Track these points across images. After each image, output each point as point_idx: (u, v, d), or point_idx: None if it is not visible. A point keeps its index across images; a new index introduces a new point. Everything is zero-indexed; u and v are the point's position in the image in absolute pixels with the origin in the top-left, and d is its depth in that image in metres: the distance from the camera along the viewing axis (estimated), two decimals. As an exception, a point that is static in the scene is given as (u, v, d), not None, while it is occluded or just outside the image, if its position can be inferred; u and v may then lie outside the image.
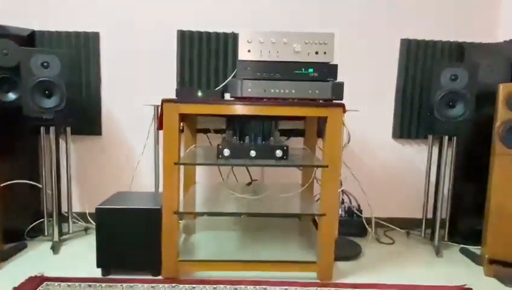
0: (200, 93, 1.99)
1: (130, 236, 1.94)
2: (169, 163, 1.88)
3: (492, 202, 2.20)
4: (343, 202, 2.74)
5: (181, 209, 2.00)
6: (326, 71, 1.92)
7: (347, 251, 2.34)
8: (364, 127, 2.82)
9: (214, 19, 2.67)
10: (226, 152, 1.94)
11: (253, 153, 1.94)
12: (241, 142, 2.07)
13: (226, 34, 2.65)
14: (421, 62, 2.72)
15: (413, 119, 2.77)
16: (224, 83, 2.60)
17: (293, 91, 1.91)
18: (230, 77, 2.57)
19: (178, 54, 2.65)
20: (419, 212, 2.87)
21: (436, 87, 2.30)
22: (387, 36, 2.74)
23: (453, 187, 2.59)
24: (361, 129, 2.82)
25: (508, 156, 2.18)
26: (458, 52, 2.70)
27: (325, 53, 1.92)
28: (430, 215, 2.72)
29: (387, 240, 2.65)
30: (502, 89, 2.20)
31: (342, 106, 1.90)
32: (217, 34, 2.65)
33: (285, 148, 1.96)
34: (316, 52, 1.92)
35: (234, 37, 2.65)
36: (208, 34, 2.65)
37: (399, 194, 2.89)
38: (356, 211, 2.70)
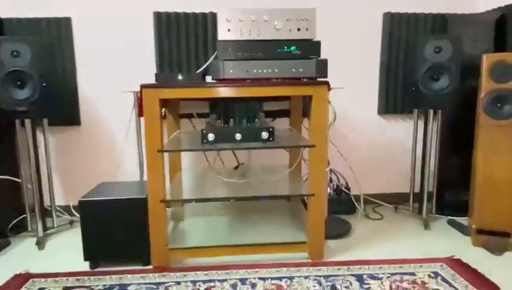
0: (180, 77, 1.92)
1: (116, 227, 1.89)
2: (152, 151, 1.83)
3: (479, 173, 2.22)
4: (331, 181, 2.74)
5: (167, 197, 1.96)
6: (309, 48, 1.87)
7: (337, 229, 2.35)
8: (349, 104, 2.79)
9: (191, -1, 2.58)
10: (211, 137, 1.89)
11: (238, 136, 1.90)
12: (226, 125, 2.02)
13: (204, 14, 2.56)
14: (404, 36, 2.69)
15: (398, 94, 2.75)
16: (205, 66, 2.52)
17: (276, 70, 1.86)
18: (211, 59, 2.49)
19: (156, 37, 2.55)
20: (407, 187, 2.89)
21: (420, 61, 2.28)
22: (369, 10, 2.69)
23: (439, 160, 2.61)
24: (346, 107, 2.79)
25: (492, 127, 2.19)
26: (441, 24, 2.67)
27: (307, 29, 1.86)
28: (417, 190, 2.74)
29: (376, 216, 2.67)
30: (486, 60, 2.19)
31: (327, 83, 1.86)
32: (195, 15, 2.56)
33: (270, 129, 1.91)
34: (298, 29, 1.86)
35: (213, 17, 2.56)
36: (186, 14, 2.55)
37: (386, 170, 2.90)
38: (344, 189, 2.71)
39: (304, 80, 1.90)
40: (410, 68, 2.41)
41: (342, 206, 2.69)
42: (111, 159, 2.70)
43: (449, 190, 2.68)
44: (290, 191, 2.13)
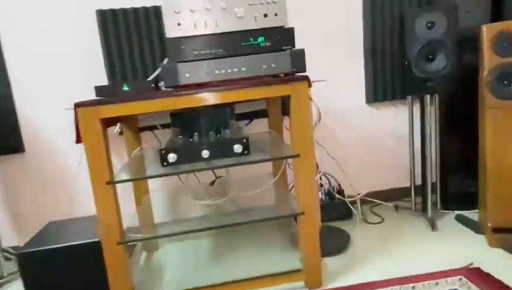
0: (126, 88, 1.55)
1: (67, 280, 1.54)
2: (100, 184, 1.47)
3: (489, 163, 1.93)
4: (321, 185, 2.42)
5: (127, 237, 1.60)
6: (281, 38, 1.53)
7: (334, 243, 2.04)
8: (333, 96, 2.46)
9: (139, -9, 2.19)
10: (172, 157, 1.54)
11: (206, 153, 1.55)
12: (190, 139, 1.67)
13: (157, 8, 2.18)
14: (388, 11, 2.36)
15: (386, 78, 2.43)
16: (156, 72, 2.14)
17: (243, 69, 1.52)
18: (164, 62, 2.13)
19: (102, 40, 2.17)
20: (406, 181, 2.60)
21: (411, 39, 1.96)
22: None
23: (440, 149, 2.33)
24: (331, 99, 2.47)
25: (501, 108, 1.89)
26: (428, -6, 2.35)
27: (276, 15, 1.51)
28: (418, 182, 2.44)
29: (375, 218, 2.37)
30: (487, 31, 1.88)
31: (306, 78, 1.52)
32: (146, 10, 2.18)
33: (245, 141, 1.57)
34: (265, 15, 1.51)
35: (167, 10, 2.19)
36: (135, 10, 2.17)
37: (382, 164, 2.59)
38: (336, 194, 2.39)
39: (280, 76, 1.56)
40: (399, 49, 2.10)
41: (337, 212, 2.38)
42: (63, 189, 2.31)
43: (453, 181, 2.39)
44: (277, 211, 1.80)
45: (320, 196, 2.38)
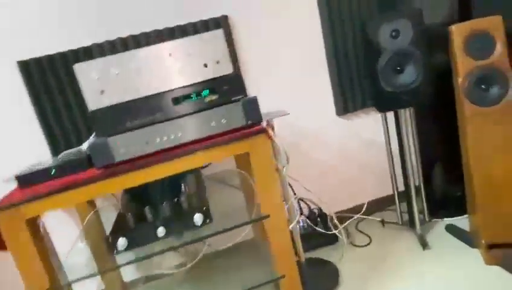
0: (53, 171, 1.30)
1: None
2: (39, 295, 1.24)
3: (476, 176, 1.78)
4: (301, 212, 2.24)
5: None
6: (229, 87, 1.30)
7: (321, 282, 1.88)
8: (301, 114, 2.26)
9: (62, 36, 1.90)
10: (122, 244, 1.31)
11: (161, 231, 1.34)
12: (142, 214, 1.45)
13: (89, 50, 1.90)
14: (347, 17, 2.14)
15: (355, 88, 2.24)
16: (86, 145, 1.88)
17: (190, 131, 1.29)
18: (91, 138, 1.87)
19: (31, 98, 1.87)
20: (388, 188, 2.45)
21: (376, 51, 1.76)
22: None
23: (420, 154, 2.17)
24: (300, 119, 2.26)
25: (481, 116, 1.73)
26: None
27: (218, 62, 1.28)
28: (401, 188, 2.28)
29: (362, 239, 2.22)
30: (457, 32, 1.70)
31: (264, 131, 1.31)
32: (75, 53, 1.89)
33: (205, 209, 1.36)
34: (205, 65, 1.27)
35: (110, 47, 1.91)
36: (63, 56, 1.88)
37: (362, 175, 2.43)
38: (314, 223, 2.22)
39: (239, 128, 1.34)
40: (366, 60, 1.90)
41: (321, 238, 2.21)
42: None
43: (438, 186, 2.26)
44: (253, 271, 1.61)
45: (301, 223, 2.20)
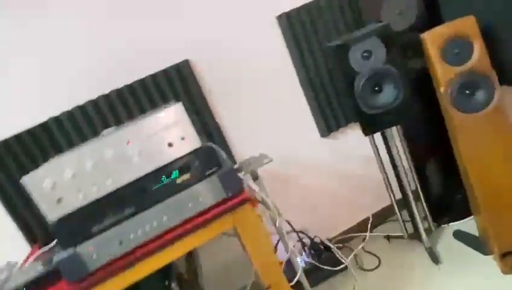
0: (24, 292, 1.16)
1: None
2: None
3: (477, 184, 1.68)
4: (303, 246, 2.13)
5: None
6: (200, 163, 1.17)
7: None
8: (285, 146, 2.14)
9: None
10: None
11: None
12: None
13: (31, 133, 1.75)
14: (314, 39, 2.03)
15: (335, 107, 2.13)
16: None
17: (165, 218, 1.16)
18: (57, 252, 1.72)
19: None
20: (386, 200, 2.35)
21: (350, 74, 1.65)
22: (258, 23, 1.99)
23: (412, 159, 2.07)
24: (283, 150, 2.14)
25: (471, 122, 1.64)
26: (350, 3, 2.03)
27: (183, 139, 1.15)
28: (398, 196, 2.17)
29: (371, 261, 2.11)
30: (430, 40, 1.60)
31: (248, 200, 1.19)
32: (19, 139, 1.74)
33: (198, 294, 1.24)
34: (170, 144, 1.14)
35: (69, 119, 1.76)
36: (29, 133, 1.72)
37: (358, 192, 2.32)
38: (322, 249, 2.11)
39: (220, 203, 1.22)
40: (342, 84, 1.79)
41: (330, 266, 2.10)
42: None
43: (436, 191, 2.17)
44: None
45: (305, 259, 2.09)
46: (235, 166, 1.58)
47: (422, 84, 1.81)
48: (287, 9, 1.98)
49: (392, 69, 1.60)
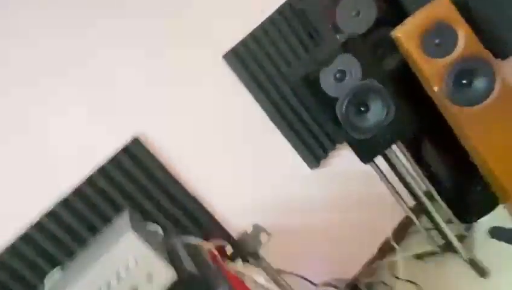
0: None
1: None
2: None
3: (504, 175, 1.45)
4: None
5: None
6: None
7: None
8: (277, 192, 1.86)
9: None
10: None
11: None
12: None
13: None
14: (270, 66, 1.77)
15: (317, 133, 1.86)
16: None
17: None
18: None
19: None
20: (400, 213, 2.09)
21: (327, 102, 1.38)
22: (209, 71, 1.72)
23: (420, 167, 1.82)
24: (275, 197, 1.85)
25: (477, 113, 1.40)
26: (298, 17, 1.77)
27: (150, 278, 0.84)
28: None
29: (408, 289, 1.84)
30: (404, 37, 1.37)
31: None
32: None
33: None
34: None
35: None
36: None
37: (367, 215, 2.04)
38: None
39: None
40: (322, 114, 1.53)
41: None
42: None
43: (452, 190, 1.92)
44: None
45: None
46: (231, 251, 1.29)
47: (404, 83, 1.57)
48: (231, 46, 1.71)
49: (374, 82, 1.35)
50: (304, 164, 1.90)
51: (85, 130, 1.54)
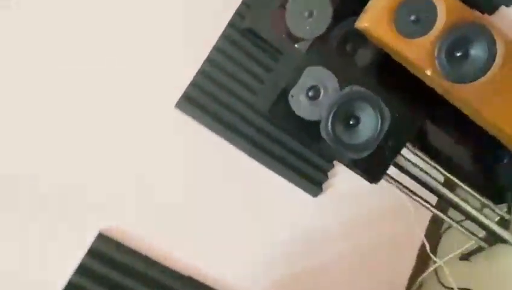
0: None
1: None
2: None
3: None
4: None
5: None
6: None
7: None
8: (284, 237, 1.59)
9: None
10: None
11: None
12: None
13: None
14: (231, 99, 1.52)
15: (305, 156, 1.59)
16: None
17: None
18: None
19: None
20: (425, 213, 1.82)
21: (307, 128, 1.13)
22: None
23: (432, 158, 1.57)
24: (284, 244, 1.59)
25: (479, 86, 1.16)
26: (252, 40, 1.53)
27: None
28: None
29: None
30: (373, 24, 1.13)
31: None
32: None
33: None
34: None
35: None
36: None
37: (390, 227, 1.77)
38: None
39: None
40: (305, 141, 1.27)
41: None
42: None
43: (475, 169, 1.68)
44: None
45: None
46: None
47: (388, 75, 1.33)
48: (181, 92, 1.45)
49: (357, 88, 1.10)
50: (306, 195, 1.64)
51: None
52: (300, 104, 1.08)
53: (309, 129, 1.10)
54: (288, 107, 1.09)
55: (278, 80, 1.10)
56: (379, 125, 1.11)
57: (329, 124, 1.10)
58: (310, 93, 1.08)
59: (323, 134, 1.10)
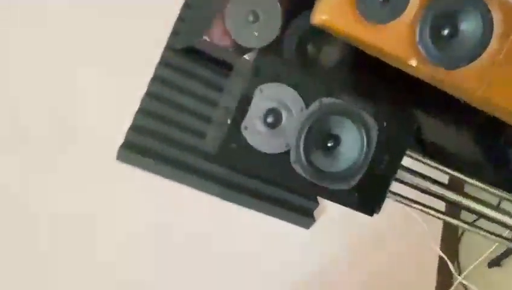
0: None
1: None
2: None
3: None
4: None
5: None
6: None
7: None
8: (285, 277, 1.32)
9: None
10: None
11: None
12: None
13: None
14: (185, 134, 1.25)
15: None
16: None
17: None
18: None
19: None
20: (436, 222, 1.57)
21: (275, 162, 0.87)
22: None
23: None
24: (295, 281, 1.32)
25: (479, 66, 0.91)
26: (195, 60, 1.27)
27: None
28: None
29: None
30: (332, 18, 0.88)
31: None
32: None
33: None
34: None
35: None
36: None
37: (402, 246, 1.52)
38: None
39: None
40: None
41: None
42: None
43: (482, 160, 1.44)
44: None
45: None
46: None
47: (365, 72, 1.08)
48: (120, 141, 1.19)
49: (328, 101, 0.84)
50: (300, 230, 1.37)
51: None
52: (258, 136, 0.82)
53: (277, 166, 0.84)
54: (245, 142, 0.82)
55: (225, 111, 0.84)
56: (365, 142, 0.86)
57: (302, 153, 0.84)
58: (269, 120, 0.82)
59: (296, 168, 0.84)
